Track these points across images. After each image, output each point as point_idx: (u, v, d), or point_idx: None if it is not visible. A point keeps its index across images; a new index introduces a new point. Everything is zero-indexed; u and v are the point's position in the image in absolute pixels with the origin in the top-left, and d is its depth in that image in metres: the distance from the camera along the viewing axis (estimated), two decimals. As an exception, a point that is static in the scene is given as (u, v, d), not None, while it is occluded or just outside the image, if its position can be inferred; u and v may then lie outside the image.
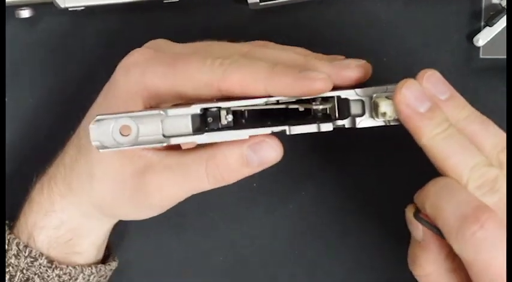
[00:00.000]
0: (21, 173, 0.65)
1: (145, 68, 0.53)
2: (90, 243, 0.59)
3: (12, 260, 0.57)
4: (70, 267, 0.57)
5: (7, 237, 0.58)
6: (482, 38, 0.62)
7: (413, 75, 0.61)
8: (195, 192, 0.54)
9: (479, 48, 0.63)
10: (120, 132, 0.49)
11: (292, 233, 0.65)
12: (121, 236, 0.61)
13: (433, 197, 0.48)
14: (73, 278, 0.58)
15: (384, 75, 0.62)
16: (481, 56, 0.63)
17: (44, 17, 0.64)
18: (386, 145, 0.63)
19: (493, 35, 0.62)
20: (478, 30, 0.62)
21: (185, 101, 0.53)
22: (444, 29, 0.63)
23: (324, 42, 0.64)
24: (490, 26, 0.61)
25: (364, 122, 0.51)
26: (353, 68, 0.53)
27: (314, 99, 0.50)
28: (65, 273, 0.57)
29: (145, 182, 0.53)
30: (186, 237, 0.66)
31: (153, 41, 0.57)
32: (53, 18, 0.65)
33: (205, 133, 0.50)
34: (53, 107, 0.66)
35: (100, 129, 0.49)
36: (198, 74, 0.51)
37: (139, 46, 0.57)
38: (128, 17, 0.64)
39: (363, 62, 0.54)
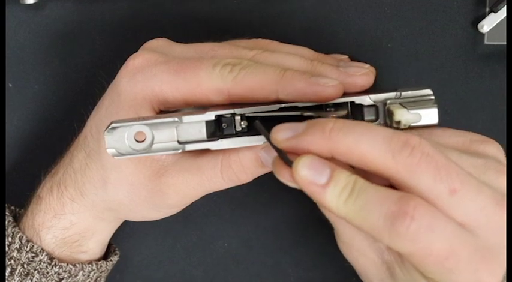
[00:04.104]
0: (26, 160, 0.66)
1: (151, 75, 0.53)
2: (96, 241, 0.60)
3: (15, 254, 0.57)
4: (70, 265, 0.58)
5: (11, 230, 0.58)
6: (487, 24, 0.62)
7: (417, 60, 0.62)
8: (211, 191, 0.55)
9: (484, 34, 0.63)
10: (135, 139, 0.49)
11: (297, 218, 0.65)
12: (125, 223, 0.61)
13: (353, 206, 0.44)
14: (72, 276, 0.58)
15: (389, 61, 0.62)
16: (485, 42, 0.63)
17: (48, 3, 0.64)
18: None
19: (498, 21, 0.62)
20: (483, 16, 0.62)
21: (194, 106, 0.53)
22: (449, 15, 0.63)
23: (327, 28, 0.64)
24: (495, 12, 0.61)
25: None
26: (359, 76, 0.53)
27: (327, 105, 0.51)
28: (64, 271, 0.58)
29: (162, 184, 0.54)
30: (190, 223, 0.66)
31: (154, 41, 0.57)
32: (58, 4, 0.64)
33: (220, 139, 0.51)
34: (58, 94, 0.65)
35: (115, 136, 0.49)
36: (207, 81, 0.51)
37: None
38: (133, 3, 0.64)
39: (367, 68, 0.54)
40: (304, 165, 0.44)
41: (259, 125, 0.48)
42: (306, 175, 0.44)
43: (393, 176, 0.44)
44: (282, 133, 0.45)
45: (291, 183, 0.45)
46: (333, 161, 0.44)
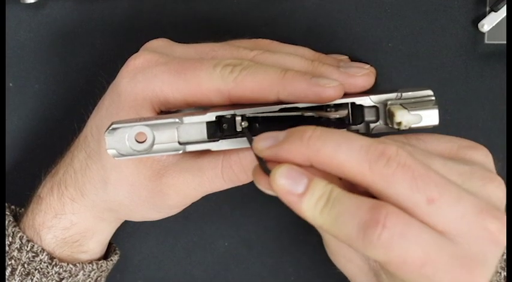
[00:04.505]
0: (26, 160, 0.66)
1: (152, 75, 0.53)
2: (96, 241, 0.60)
3: (15, 253, 0.57)
4: (70, 265, 0.58)
5: (12, 230, 0.58)
6: (488, 23, 0.62)
7: (418, 60, 0.62)
8: (211, 192, 0.55)
9: (484, 33, 0.63)
10: (136, 139, 0.49)
11: (297, 217, 0.65)
12: (125, 223, 0.61)
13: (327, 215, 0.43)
14: (73, 275, 0.58)
15: (389, 61, 0.62)
16: (486, 42, 0.63)
17: (49, 2, 0.64)
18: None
19: (498, 20, 0.61)
20: (483, 16, 0.62)
21: (194, 106, 0.53)
22: (449, 14, 0.62)
23: (327, 28, 0.64)
24: (495, 11, 0.61)
25: (378, 127, 0.51)
26: (359, 77, 0.53)
27: (328, 106, 0.51)
28: (65, 271, 0.58)
29: (162, 185, 0.54)
30: (190, 223, 0.66)
31: (154, 41, 0.57)
32: (58, 3, 0.64)
33: (221, 140, 0.51)
34: (58, 94, 0.65)
35: (115, 137, 0.49)
36: (208, 82, 0.51)
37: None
38: (134, 3, 0.64)
39: (367, 69, 0.54)
40: (282, 175, 0.43)
41: (247, 132, 0.49)
42: (283, 184, 0.43)
43: (370, 186, 0.43)
44: (263, 142, 0.45)
45: (269, 191, 0.45)
46: (313, 169, 0.44)
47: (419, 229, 0.42)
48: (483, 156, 0.48)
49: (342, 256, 0.52)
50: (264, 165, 0.45)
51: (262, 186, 0.45)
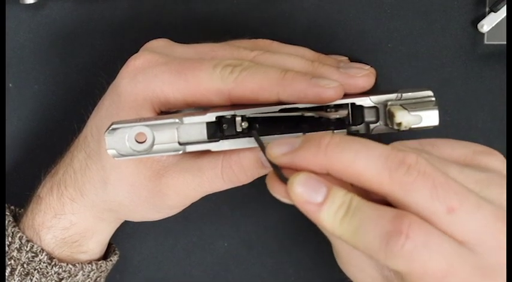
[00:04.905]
0: (26, 160, 0.66)
1: (152, 76, 0.53)
2: (96, 242, 0.60)
3: (15, 254, 0.57)
4: (70, 265, 0.58)
5: (11, 230, 0.58)
6: (487, 24, 0.62)
7: (417, 60, 0.62)
8: (211, 192, 0.55)
9: (483, 34, 0.63)
10: (136, 140, 0.49)
11: (297, 218, 0.65)
12: (125, 223, 0.61)
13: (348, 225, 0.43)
14: (72, 275, 0.58)
15: (389, 61, 0.62)
16: (485, 42, 0.63)
17: (48, 3, 0.64)
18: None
19: (498, 20, 0.62)
20: (483, 16, 0.62)
21: (194, 107, 0.53)
22: (449, 15, 0.63)
23: (327, 28, 0.64)
24: (494, 12, 0.61)
25: (378, 128, 0.51)
26: (359, 77, 0.53)
27: (328, 106, 0.51)
28: (64, 271, 0.58)
29: (162, 185, 0.54)
30: (190, 223, 0.66)
31: (154, 41, 0.57)
32: (58, 4, 0.64)
33: (221, 140, 0.51)
34: (58, 94, 0.65)
35: (115, 137, 0.49)
36: (208, 82, 0.51)
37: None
38: (133, 3, 0.64)
39: (367, 69, 0.54)
40: (300, 183, 0.43)
41: (257, 136, 0.49)
42: (301, 193, 0.43)
43: (389, 194, 0.43)
44: (278, 148, 0.44)
45: (285, 200, 0.44)
46: (329, 177, 0.44)
47: (441, 239, 0.42)
48: (499, 161, 0.47)
49: (353, 265, 0.50)
50: (280, 173, 0.44)
51: (278, 194, 0.45)
